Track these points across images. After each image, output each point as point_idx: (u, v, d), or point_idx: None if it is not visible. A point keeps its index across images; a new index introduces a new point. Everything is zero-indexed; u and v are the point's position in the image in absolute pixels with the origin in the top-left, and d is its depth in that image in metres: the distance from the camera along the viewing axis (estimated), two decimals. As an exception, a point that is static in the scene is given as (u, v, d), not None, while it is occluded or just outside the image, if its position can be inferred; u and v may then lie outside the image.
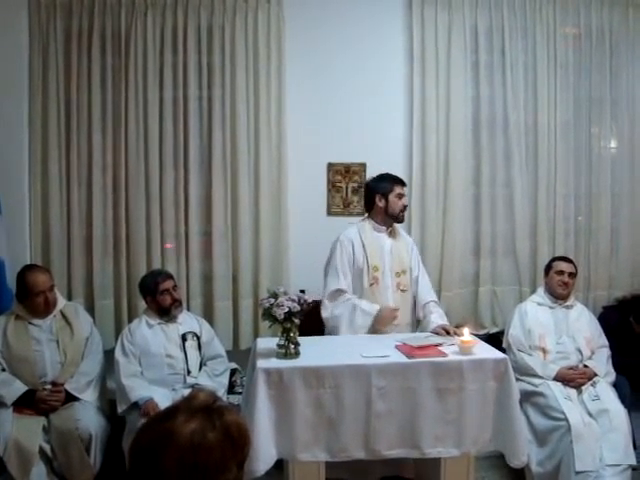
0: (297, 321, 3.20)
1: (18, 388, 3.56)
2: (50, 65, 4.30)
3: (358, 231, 3.84)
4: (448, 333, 3.56)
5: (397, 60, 4.61)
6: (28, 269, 3.81)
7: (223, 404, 1.42)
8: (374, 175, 3.93)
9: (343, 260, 3.77)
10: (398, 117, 4.64)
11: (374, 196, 3.83)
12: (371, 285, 3.75)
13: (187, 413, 1.35)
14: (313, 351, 3.25)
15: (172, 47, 4.39)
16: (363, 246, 3.78)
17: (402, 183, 3.85)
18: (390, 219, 3.84)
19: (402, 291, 3.81)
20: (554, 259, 4.30)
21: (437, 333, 3.61)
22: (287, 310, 3.11)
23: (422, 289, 3.89)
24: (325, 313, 3.74)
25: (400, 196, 3.80)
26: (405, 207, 3.85)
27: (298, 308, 3.15)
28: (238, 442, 1.37)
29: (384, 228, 3.85)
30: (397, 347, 3.33)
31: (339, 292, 3.73)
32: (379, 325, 3.64)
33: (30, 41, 4.31)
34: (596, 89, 4.71)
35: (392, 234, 3.88)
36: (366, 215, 3.93)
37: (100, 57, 4.34)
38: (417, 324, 3.88)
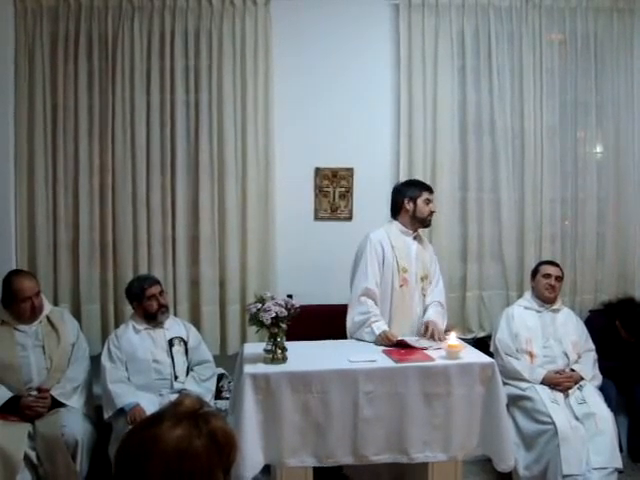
0: (284, 326, 3.20)
1: (2, 395, 3.53)
2: (36, 69, 4.26)
3: (386, 232, 3.83)
4: (432, 336, 3.56)
5: (384, 64, 4.61)
6: (14, 274, 3.79)
7: (209, 410, 1.41)
8: (403, 180, 4.03)
9: (373, 259, 3.75)
10: (385, 122, 4.64)
11: (403, 199, 3.83)
12: (401, 286, 3.75)
13: (173, 419, 1.34)
14: (300, 356, 3.25)
15: (159, 51, 4.37)
16: (392, 247, 3.78)
17: (430, 190, 3.88)
18: (417, 223, 3.84)
19: (424, 296, 3.84)
20: (541, 263, 4.33)
21: (426, 327, 3.63)
22: (274, 315, 3.12)
23: (433, 291, 3.87)
24: (349, 317, 3.72)
25: (428, 202, 3.82)
26: (432, 213, 3.86)
27: (285, 313, 3.15)
28: (224, 448, 1.37)
29: (410, 232, 3.85)
30: (384, 352, 3.33)
31: (366, 293, 3.69)
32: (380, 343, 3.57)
33: (16, 45, 4.27)
34: (582, 94, 4.73)
35: (417, 239, 3.89)
36: (391, 219, 3.91)
37: (87, 61, 4.31)
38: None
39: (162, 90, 4.39)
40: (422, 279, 3.82)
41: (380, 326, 3.60)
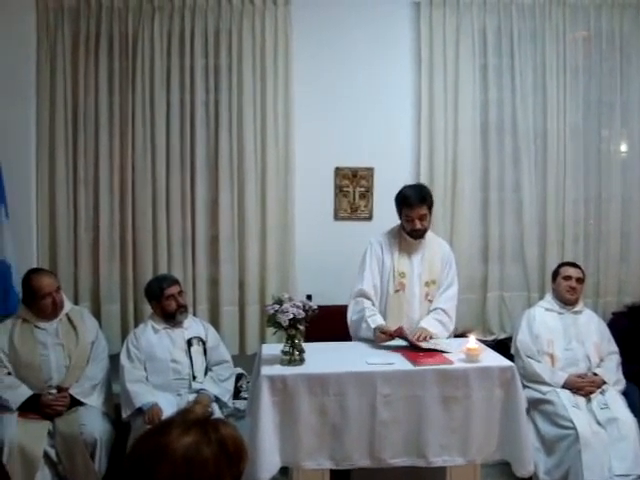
0: (302, 328, 3.18)
1: (23, 393, 3.56)
2: (57, 69, 4.30)
3: (389, 235, 3.79)
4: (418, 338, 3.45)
5: (405, 63, 4.58)
6: (33, 273, 3.83)
7: (219, 418, 1.40)
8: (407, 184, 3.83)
9: (372, 261, 3.72)
10: (406, 121, 4.60)
11: (396, 205, 3.74)
12: (397, 291, 3.68)
13: (182, 426, 1.34)
14: (318, 358, 3.23)
15: (179, 50, 4.38)
16: (391, 250, 3.73)
17: (411, 205, 3.61)
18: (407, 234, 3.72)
19: (430, 301, 3.71)
20: (561, 265, 4.26)
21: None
22: (292, 317, 3.10)
23: (440, 297, 3.72)
24: (348, 317, 3.70)
25: (407, 218, 3.64)
26: (415, 230, 3.65)
27: (303, 314, 3.13)
28: (234, 457, 1.36)
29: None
30: (403, 354, 3.30)
31: (361, 294, 3.66)
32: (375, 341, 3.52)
33: (38, 45, 4.31)
34: (606, 92, 4.66)
35: (426, 240, 3.74)
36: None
37: (107, 61, 4.34)
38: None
39: (182, 90, 4.40)
40: (427, 284, 3.71)
41: (376, 320, 3.55)
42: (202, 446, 1.31)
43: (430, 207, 3.69)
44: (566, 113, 4.59)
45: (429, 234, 3.79)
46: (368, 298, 3.66)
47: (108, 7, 4.31)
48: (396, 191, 4.38)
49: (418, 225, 3.64)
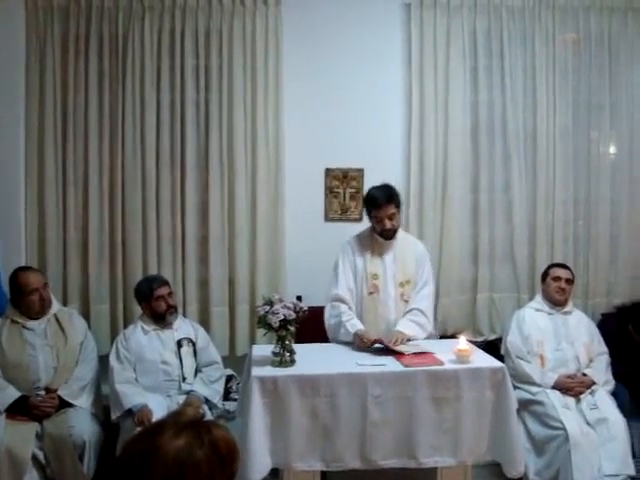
0: (292, 329, 3.18)
1: (11, 394, 3.53)
2: (47, 68, 4.28)
3: (360, 237, 3.78)
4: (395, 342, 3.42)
5: (395, 64, 4.59)
6: (20, 270, 3.81)
7: (211, 420, 1.40)
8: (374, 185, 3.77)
9: (345, 265, 3.70)
10: (396, 122, 4.61)
11: (365, 207, 3.75)
12: (370, 294, 3.66)
13: (174, 429, 1.32)
14: (309, 359, 3.23)
15: (169, 50, 4.37)
16: (363, 252, 3.72)
17: (379, 206, 3.59)
18: (378, 235, 3.70)
19: (405, 302, 3.68)
20: (551, 266, 4.28)
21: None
22: (282, 318, 3.09)
23: (415, 297, 3.69)
24: (325, 320, 3.68)
25: (377, 219, 3.63)
26: (386, 230, 3.63)
27: (293, 316, 3.12)
28: (226, 459, 1.35)
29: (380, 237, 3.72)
30: (393, 356, 3.29)
31: (337, 298, 3.65)
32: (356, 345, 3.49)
33: (27, 45, 4.30)
34: (595, 94, 4.69)
35: (397, 240, 3.72)
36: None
37: (97, 60, 4.32)
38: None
39: (172, 89, 4.39)
40: (402, 284, 3.68)
41: (354, 324, 3.54)
42: (195, 448, 1.30)
43: (398, 206, 3.67)
44: (556, 114, 4.61)
45: (400, 234, 3.76)
46: (344, 302, 3.63)
47: (98, 6, 4.29)
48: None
49: (388, 225, 3.62)
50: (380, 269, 3.69)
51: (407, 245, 3.77)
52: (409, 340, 3.50)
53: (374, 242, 3.73)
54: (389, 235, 3.67)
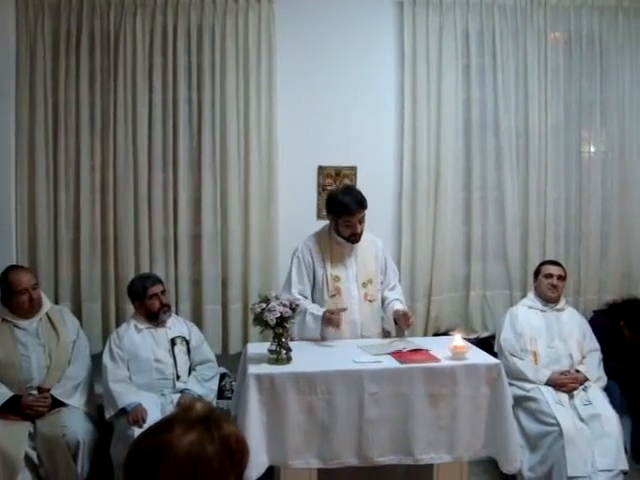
0: (289, 326, 3.17)
1: (3, 394, 3.51)
2: (38, 66, 4.22)
3: (318, 238, 3.72)
4: (405, 315, 3.49)
5: (388, 62, 4.58)
6: (10, 269, 3.79)
7: (221, 415, 1.38)
8: (340, 187, 3.77)
9: (301, 271, 3.64)
10: (389, 120, 4.60)
11: (328, 212, 3.70)
12: (333, 296, 3.61)
13: (184, 424, 1.31)
14: (305, 356, 3.23)
15: (161, 48, 4.33)
16: (322, 255, 3.67)
17: (351, 212, 3.53)
18: (341, 237, 3.65)
19: (369, 301, 3.66)
20: (543, 263, 4.31)
21: (395, 320, 3.56)
22: (279, 315, 3.08)
23: (386, 291, 3.73)
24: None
25: (348, 224, 3.57)
26: (356, 234, 3.60)
27: (290, 313, 3.12)
28: (236, 454, 1.34)
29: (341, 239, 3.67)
30: (390, 353, 3.29)
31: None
32: (328, 326, 3.46)
33: (17, 41, 4.23)
34: (586, 93, 4.71)
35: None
36: (329, 223, 3.75)
37: (89, 58, 4.27)
38: (386, 335, 3.72)
39: (164, 87, 4.35)
40: (365, 284, 3.66)
41: (318, 308, 3.52)
42: (205, 444, 1.29)
43: (366, 208, 3.62)
44: (547, 112, 4.63)
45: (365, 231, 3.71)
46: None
47: (89, 3, 4.23)
48: (379, 190, 4.43)
49: (359, 229, 3.60)
50: (342, 271, 3.67)
51: (365, 244, 3.74)
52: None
53: (333, 243, 3.69)
54: (356, 239, 3.64)
